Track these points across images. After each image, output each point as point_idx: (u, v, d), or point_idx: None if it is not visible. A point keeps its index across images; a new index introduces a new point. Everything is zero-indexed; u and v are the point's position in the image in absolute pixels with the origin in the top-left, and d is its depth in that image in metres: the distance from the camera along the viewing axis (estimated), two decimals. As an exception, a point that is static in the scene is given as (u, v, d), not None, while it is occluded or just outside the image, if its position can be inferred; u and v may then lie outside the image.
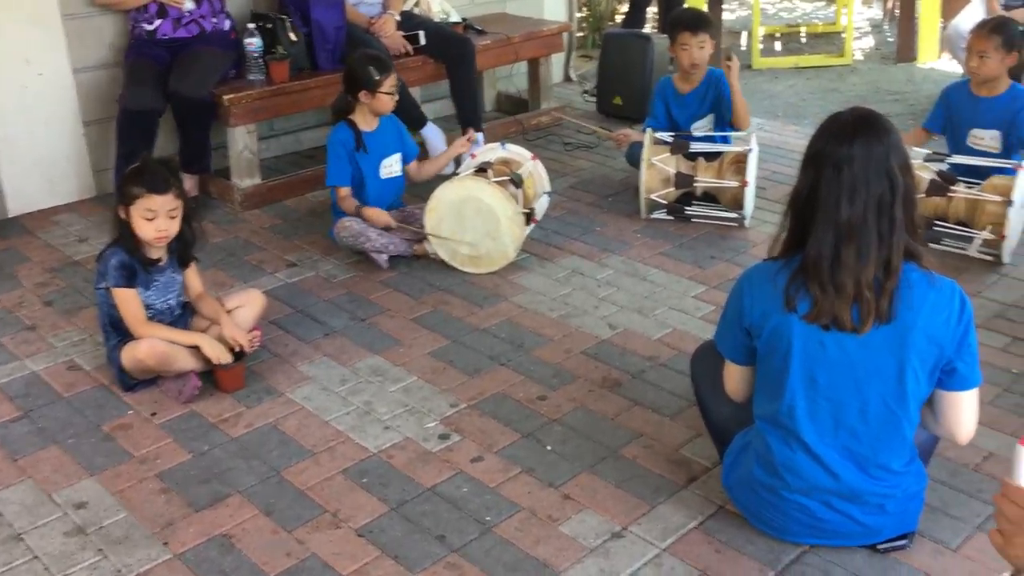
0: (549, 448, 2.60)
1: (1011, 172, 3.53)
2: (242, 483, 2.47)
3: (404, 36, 4.57)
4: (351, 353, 3.09)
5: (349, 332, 3.22)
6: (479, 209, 3.50)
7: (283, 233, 4.04)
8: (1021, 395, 2.78)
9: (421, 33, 4.60)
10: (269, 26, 4.28)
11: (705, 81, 4.18)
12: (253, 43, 4.18)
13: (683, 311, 3.34)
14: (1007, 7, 4.70)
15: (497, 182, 3.54)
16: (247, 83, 4.22)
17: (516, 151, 3.87)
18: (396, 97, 3.68)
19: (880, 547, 2.16)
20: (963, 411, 2.04)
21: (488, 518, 2.33)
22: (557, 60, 5.88)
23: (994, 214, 3.48)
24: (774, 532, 2.21)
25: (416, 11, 4.85)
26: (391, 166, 3.77)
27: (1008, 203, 3.41)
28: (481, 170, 3.63)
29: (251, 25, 4.23)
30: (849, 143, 1.90)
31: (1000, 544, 1.16)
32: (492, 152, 3.85)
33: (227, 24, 4.28)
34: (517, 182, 3.65)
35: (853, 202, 1.88)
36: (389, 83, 3.61)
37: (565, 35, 5.69)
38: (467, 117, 4.66)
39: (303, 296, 3.48)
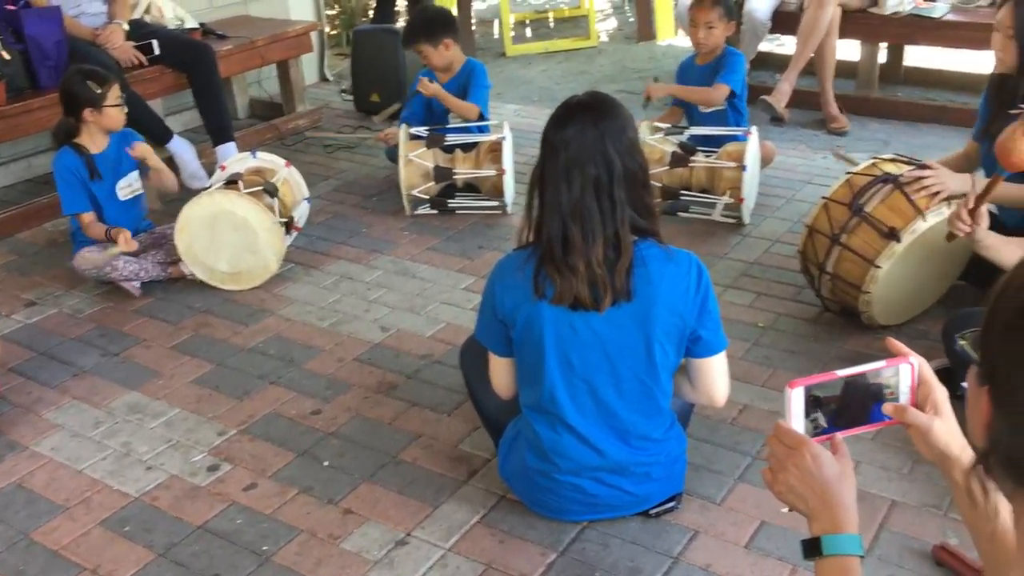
0: (326, 463, 2.52)
1: (743, 139, 3.78)
2: (-16, 554, 2.24)
3: (136, 46, 4.29)
4: (104, 392, 2.87)
5: (101, 370, 2.99)
6: (234, 224, 3.35)
7: (19, 270, 3.70)
8: (768, 347, 2.98)
9: (154, 42, 4.33)
10: (-24, 46, 3.89)
11: (462, 71, 4.19)
12: (-41, 65, 3.79)
13: (454, 304, 3.34)
14: (726, -16, 5.03)
15: (249, 193, 3.40)
16: (-43, 110, 3.82)
17: (268, 159, 3.73)
18: (125, 108, 3.45)
19: (652, 512, 2.25)
20: (713, 376, 2.14)
21: (265, 547, 2.22)
22: (309, 60, 5.73)
23: (731, 179, 3.71)
24: (553, 514, 2.25)
25: (147, 18, 4.58)
26: (130, 185, 3.52)
27: (742, 168, 3.64)
28: (231, 182, 3.46)
29: (-46, 46, 3.83)
30: (565, 127, 1.96)
31: (769, 480, 1.22)
32: (242, 162, 3.69)
33: (-74, 47, 3.86)
34: (272, 191, 3.52)
35: (571, 184, 1.94)
36: (114, 95, 3.36)
37: (315, 34, 5.55)
38: (215, 127, 4.45)
39: (46, 337, 3.19)
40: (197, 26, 4.77)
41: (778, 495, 1.21)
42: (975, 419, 0.92)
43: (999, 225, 2.96)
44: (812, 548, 1.17)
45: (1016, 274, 0.89)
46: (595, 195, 1.93)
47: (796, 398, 1.20)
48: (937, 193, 2.76)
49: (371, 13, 7.05)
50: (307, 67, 5.70)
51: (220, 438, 2.64)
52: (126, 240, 3.31)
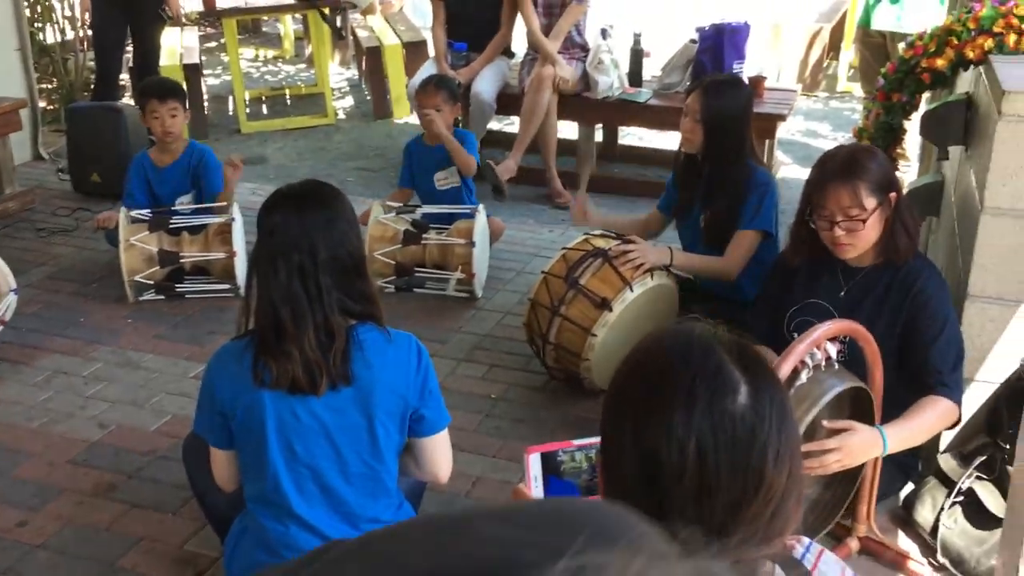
0: (32, 581, 2.31)
1: (472, 216, 3.93)
2: None
3: None
4: None
5: None
6: (-79, 320, 3.04)
7: None
8: (499, 418, 3.08)
9: None
10: None
11: (187, 153, 4.07)
12: None
13: (183, 394, 3.19)
14: (453, 67, 5.25)
15: (-59, 287, 3.10)
16: None
17: (-35, 248, 3.43)
18: None
19: (387, 596, 2.23)
20: (438, 453, 2.17)
21: None
22: (20, 138, 5.35)
23: (462, 255, 3.84)
24: (285, 609, 2.18)
25: None
26: None
27: (471, 244, 3.78)
28: (-83, 276, 3.15)
29: None
30: (271, 215, 1.99)
31: None
32: (-67, 253, 3.36)
33: None
34: (-31, 283, 3.23)
35: (277, 271, 1.95)
36: None
37: (26, 111, 5.20)
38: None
39: None
40: None
41: None
42: (600, 480, 1.02)
43: (698, 289, 3.27)
44: None
45: (632, 349, 1.01)
46: (301, 282, 1.95)
47: (533, 463, 1.27)
48: (641, 265, 3.01)
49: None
50: (20, 145, 5.33)
51: (-97, 565, 2.35)
52: None
